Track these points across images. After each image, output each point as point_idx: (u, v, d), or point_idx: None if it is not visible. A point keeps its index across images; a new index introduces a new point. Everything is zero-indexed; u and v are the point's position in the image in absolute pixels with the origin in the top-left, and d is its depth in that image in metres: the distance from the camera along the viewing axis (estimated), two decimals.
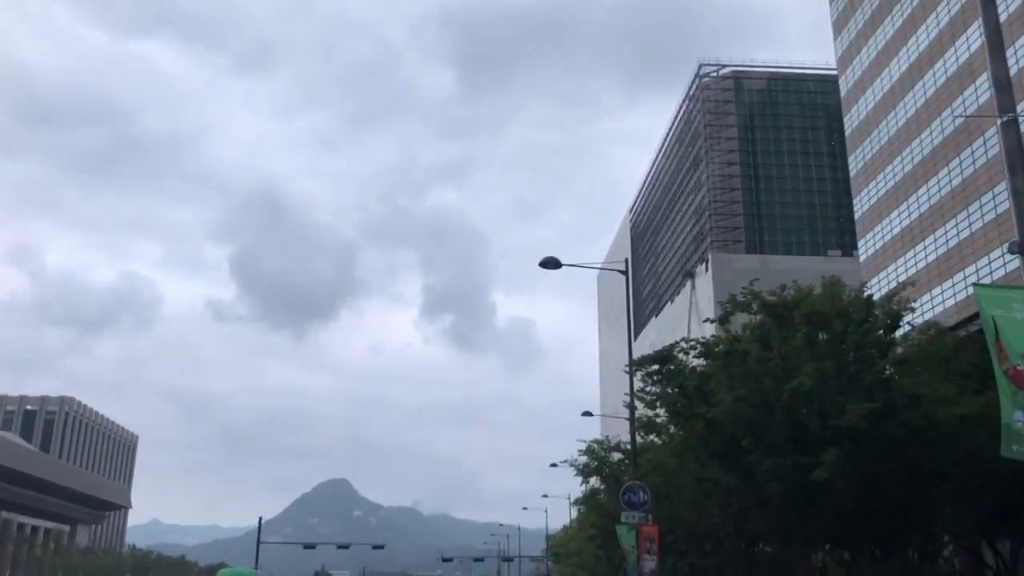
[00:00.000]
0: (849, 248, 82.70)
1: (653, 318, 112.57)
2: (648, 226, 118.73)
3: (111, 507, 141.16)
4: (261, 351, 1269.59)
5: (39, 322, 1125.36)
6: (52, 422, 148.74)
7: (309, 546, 75.79)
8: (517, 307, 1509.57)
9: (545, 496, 79.11)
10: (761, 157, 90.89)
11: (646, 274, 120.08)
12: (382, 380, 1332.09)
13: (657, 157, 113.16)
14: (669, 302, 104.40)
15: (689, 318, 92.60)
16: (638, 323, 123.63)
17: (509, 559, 75.07)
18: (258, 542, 73.41)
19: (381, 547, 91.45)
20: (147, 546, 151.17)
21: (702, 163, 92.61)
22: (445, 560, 67.26)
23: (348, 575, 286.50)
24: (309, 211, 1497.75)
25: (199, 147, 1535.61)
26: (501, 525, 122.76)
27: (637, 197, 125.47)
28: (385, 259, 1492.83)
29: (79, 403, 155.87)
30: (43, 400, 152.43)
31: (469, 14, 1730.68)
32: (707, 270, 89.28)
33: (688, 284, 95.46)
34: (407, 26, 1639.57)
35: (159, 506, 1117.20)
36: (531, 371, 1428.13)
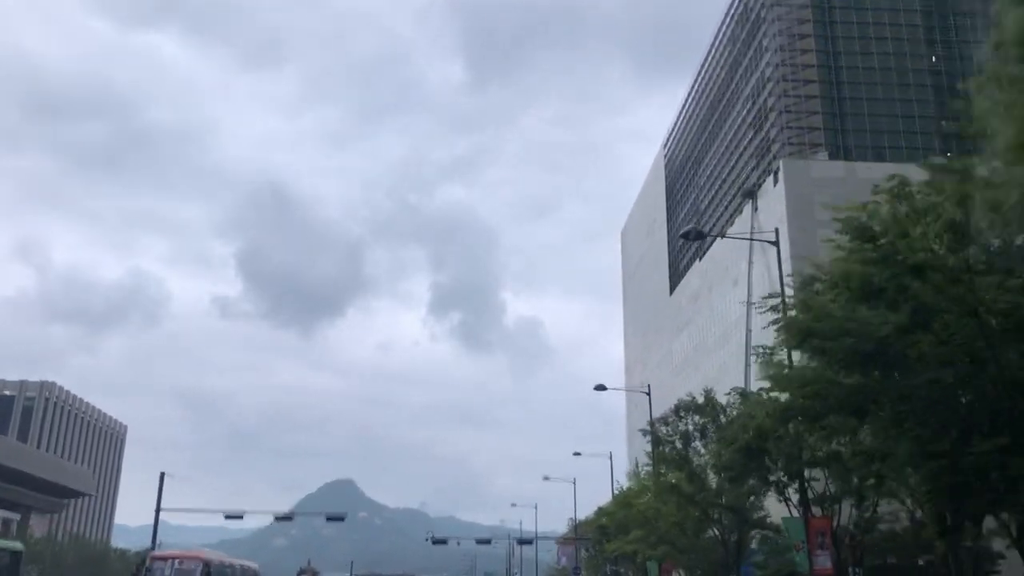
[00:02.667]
0: (957, 152, 65.36)
1: (696, 262, 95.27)
2: (688, 156, 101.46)
3: (71, 494, 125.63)
4: (268, 349, 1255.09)
5: (46, 318, 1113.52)
6: (31, 408, 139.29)
7: (285, 517, 59.48)
8: (526, 306, 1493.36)
9: (577, 454, 63.07)
10: (843, 43, 73.86)
11: (684, 216, 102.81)
12: (389, 379, 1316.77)
13: (701, 68, 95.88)
14: (720, 236, 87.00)
15: (751, 247, 75.26)
16: (675, 275, 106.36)
17: (526, 541, 58.44)
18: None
19: None
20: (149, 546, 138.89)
21: (766, 55, 75.31)
22: (436, 542, 51.60)
23: None
24: (316, 207, 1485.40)
25: (206, 142, 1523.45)
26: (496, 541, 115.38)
27: (674, 126, 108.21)
28: (393, 256, 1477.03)
29: (60, 388, 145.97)
30: (22, 385, 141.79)
31: (478, 3, 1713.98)
32: (776, 183, 72.06)
33: (748, 207, 78.17)
34: (415, 17, 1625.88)
35: (165, 506, 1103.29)
36: (540, 371, 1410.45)
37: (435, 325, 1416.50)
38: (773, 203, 72.29)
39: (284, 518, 68.42)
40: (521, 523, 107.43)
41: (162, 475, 62.16)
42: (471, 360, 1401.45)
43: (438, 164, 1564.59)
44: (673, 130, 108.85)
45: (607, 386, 53.16)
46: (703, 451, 32.62)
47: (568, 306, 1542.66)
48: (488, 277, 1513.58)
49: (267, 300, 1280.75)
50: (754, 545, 36.28)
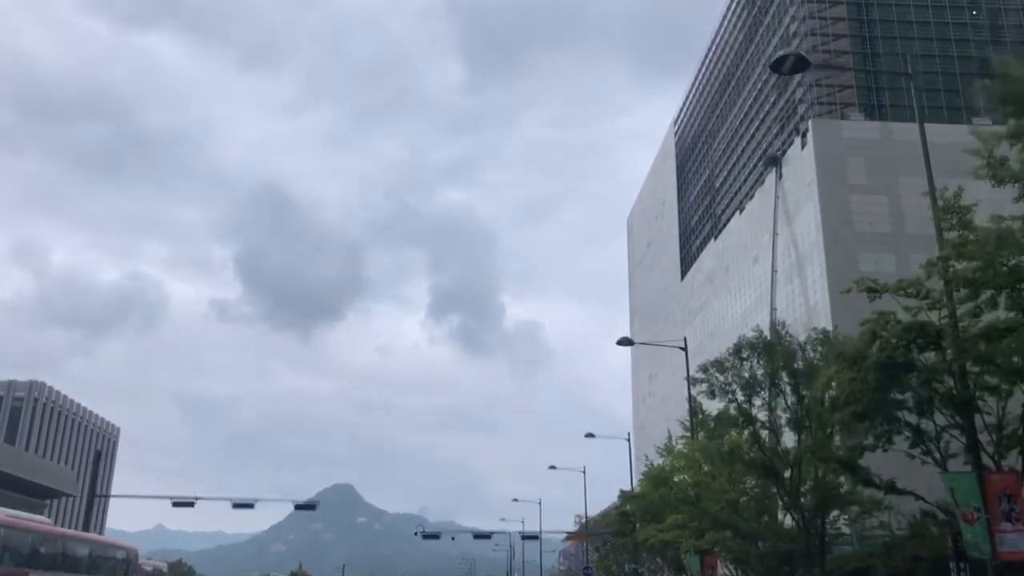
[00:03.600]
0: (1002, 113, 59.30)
1: (712, 241, 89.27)
2: (701, 130, 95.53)
3: (52, 494, 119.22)
4: (267, 353, 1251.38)
5: (44, 322, 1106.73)
6: (20, 409, 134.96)
7: (307, 506, 53.53)
8: (526, 309, 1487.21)
9: (590, 436, 56.69)
10: None
11: (696, 195, 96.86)
12: (388, 383, 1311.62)
13: (716, 35, 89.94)
14: (738, 212, 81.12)
15: (775, 217, 69.35)
16: (687, 259, 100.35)
17: (531, 536, 52.30)
18: None
19: None
20: (149, 552, 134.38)
21: (791, 8, 69.37)
22: (426, 537, 45.65)
23: None
24: (315, 209, 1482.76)
25: (204, 144, 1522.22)
26: (496, 546, 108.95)
27: (685, 99, 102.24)
28: (392, 259, 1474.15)
29: (50, 388, 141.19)
30: (10, 385, 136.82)
31: (478, 3, 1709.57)
32: (803, 147, 66.09)
33: (771, 176, 72.19)
34: (415, 17, 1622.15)
35: (164, 512, 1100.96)
36: (539, 375, 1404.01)
37: (434, 328, 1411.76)
38: (801, 168, 66.37)
39: (306, 506, 61.95)
40: (523, 522, 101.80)
41: None
42: (471, 363, 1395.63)
43: (437, 166, 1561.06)
44: (685, 104, 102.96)
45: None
46: (775, 407, 25.79)
47: (568, 309, 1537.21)
48: (487, 280, 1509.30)
49: (266, 303, 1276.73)
50: (844, 528, 29.47)
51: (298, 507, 45.84)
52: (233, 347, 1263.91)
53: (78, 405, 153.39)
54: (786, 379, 25.61)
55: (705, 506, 29.11)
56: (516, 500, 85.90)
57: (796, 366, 25.33)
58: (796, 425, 23.06)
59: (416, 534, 52.53)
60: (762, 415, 26.42)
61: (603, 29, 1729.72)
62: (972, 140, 18.72)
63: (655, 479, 36.57)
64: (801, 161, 66.28)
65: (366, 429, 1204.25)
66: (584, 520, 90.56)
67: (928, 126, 22.39)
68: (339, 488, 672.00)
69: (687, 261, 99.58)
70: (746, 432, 26.25)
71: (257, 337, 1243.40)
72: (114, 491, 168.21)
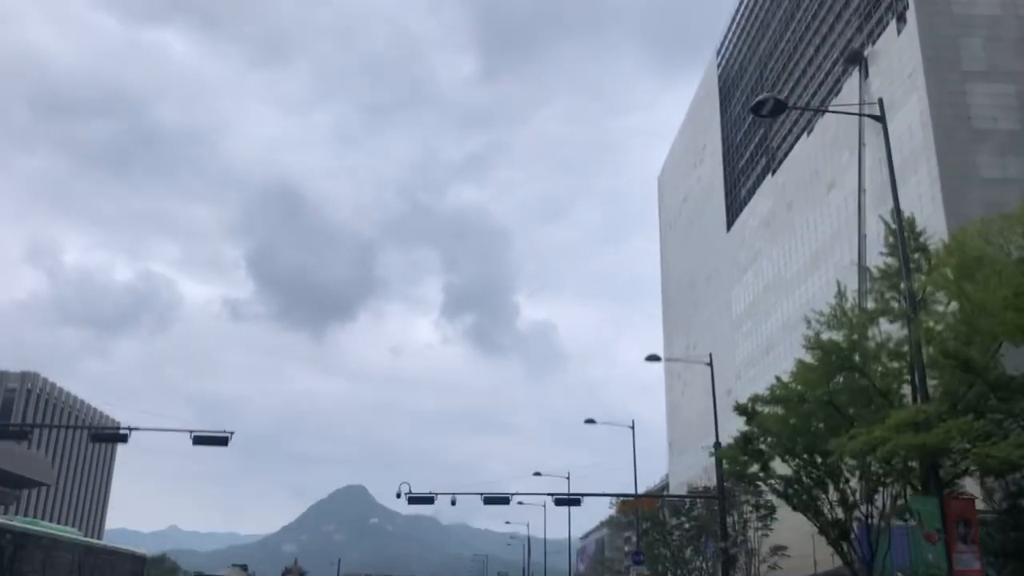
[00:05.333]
0: None
1: (768, 177, 76.58)
2: (753, 53, 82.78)
3: (25, 484, 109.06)
4: (279, 352, 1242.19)
5: (56, 322, 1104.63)
6: (12, 400, 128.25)
7: (208, 440, 41.25)
8: (540, 309, 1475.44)
9: (590, 422, 45.38)
10: None
11: (746, 130, 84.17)
12: (401, 384, 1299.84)
13: None
14: (805, 134, 68.51)
15: (860, 126, 56.41)
16: (734, 206, 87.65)
17: (571, 501, 39.32)
18: None
19: None
20: (162, 553, 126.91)
21: None
22: (412, 501, 34.37)
23: None
24: (327, 208, 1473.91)
25: (215, 141, 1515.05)
26: (512, 538, 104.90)
27: (732, 21, 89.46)
28: (404, 257, 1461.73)
29: (44, 380, 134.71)
30: (2, 376, 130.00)
31: None
32: (900, 32, 53.27)
33: (852, 79, 59.40)
34: (426, 8, 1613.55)
35: (177, 512, 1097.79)
36: (553, 376, 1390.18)
37: (447, 327, 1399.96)
38: (897, 59, 53.62)
39: (212, 439, 49.58)
40: (529, 525, 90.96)
41: None
42: (484, 364, 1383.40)
43: (449, 163, 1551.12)
44: (731, 28, 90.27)
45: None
46: None
47: (582, 310, 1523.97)
48: (501, 279, 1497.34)
49: (278, 302, 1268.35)
50: None
51: (199, 440, 34.74)
52: (245, 347, 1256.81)
53: (74, 397, 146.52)
54: None
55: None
56: (522, 499, 77.35)
57: None
58: None
59: (399, 496, 40.17)
60: None
61: (619, 19, 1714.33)
62: None
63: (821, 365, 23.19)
64: (898, 50, 53.59)
65: (379, 430, 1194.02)
66: (619, 501, 77.96)
67: None
68: (351, 489, 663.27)
69: (734, 209, 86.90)
70: None
71: (269, 337, 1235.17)
72: (123, 490, 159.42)
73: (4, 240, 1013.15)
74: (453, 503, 39.83)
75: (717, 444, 32.41)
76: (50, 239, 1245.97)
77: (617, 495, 43.64)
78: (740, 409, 26.83)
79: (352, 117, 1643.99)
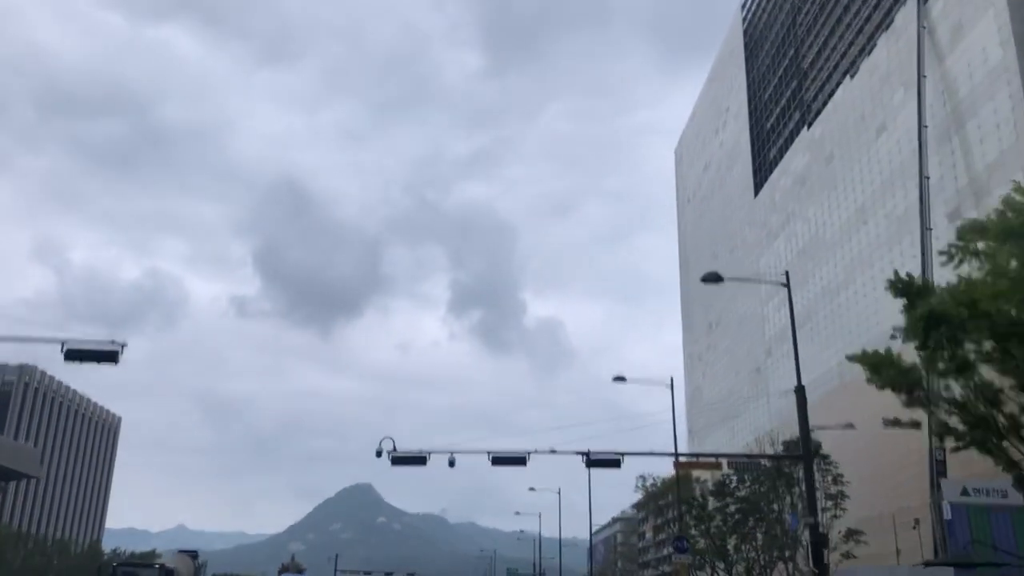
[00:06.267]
0: None
1: (804, 131, 70.34)
2: (781, 5, 76.39)
3: (11, 475, 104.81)
4: (286, 350, 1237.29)
5: (64, 320, 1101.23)
6: (9, 393, 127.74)
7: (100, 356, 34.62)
8: (547, 306, 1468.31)
9: (620, 380, 39.54)
10: None
11: (776, 85, 77.93)
12: (408, 381, 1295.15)
13: None
14: (848, 77, 62.31)
15: (919, 55, 50.04)
16: (763, 169, 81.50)
17: (603, 463, 33.25)
18: None
19: None
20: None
21: None
22: (396, 462, 29.73)
23: None
24: (334, 205, 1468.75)
25: (222, 139, 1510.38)
26: (522, 531, 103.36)
27: None
28: (411, 254, 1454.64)
29: (42, 373, 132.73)
30: (0, 369, 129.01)
31: None
32: None
33: (906, 8, 53.04)
34: (433, 5, 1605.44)
35: (185, 511, 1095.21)
36: (560, 374, 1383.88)
37: (454, 324, 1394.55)
38: None
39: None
40: (540, 516, 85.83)
41: None
42: (491, 361, 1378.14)
43: (456, 160, 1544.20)
44: None
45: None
46: None
47: (590, 307, 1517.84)
48: (508, 276, 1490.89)
49: (285, 299, 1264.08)
50: None
51: (73, 355, 25.93)
52: (252, 344, 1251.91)
53: (74, 392, 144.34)
54: None
55: None
56: (532, 489, 74.26)
57: None
58: None
59: (379, 455, 33.94)
60: None
61: (626, 13, 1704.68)
62: None
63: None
64: None
65: (385, 428, 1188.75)
66: (651, 484, 72.16)
67: None
68: (359, 488, 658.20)
69: (763, 171, 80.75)
70: None
71: (276, 334, 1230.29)
72: (131, 490, 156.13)
73: (11, 238, 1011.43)
74: (451, 464, 34.26)
75: (799, 372, 25.99)
76: (57, 237, 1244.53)
77: (667, 454, 37.11)
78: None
79: (359, 114, 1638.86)
